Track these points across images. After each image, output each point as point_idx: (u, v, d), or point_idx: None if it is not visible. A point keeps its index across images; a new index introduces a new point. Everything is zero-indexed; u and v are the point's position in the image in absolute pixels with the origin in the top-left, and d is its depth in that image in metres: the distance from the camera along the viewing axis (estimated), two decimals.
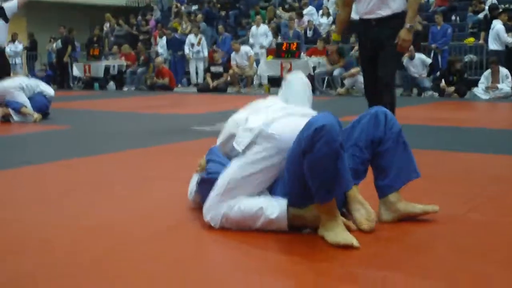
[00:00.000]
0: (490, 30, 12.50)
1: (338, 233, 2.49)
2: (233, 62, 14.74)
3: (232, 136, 2.83)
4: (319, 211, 2.56)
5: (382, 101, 4.42)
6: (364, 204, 2.68)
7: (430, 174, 3.96)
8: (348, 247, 2.42)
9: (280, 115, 2.77)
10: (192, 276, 2.18)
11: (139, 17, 21.05)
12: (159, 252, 2.46)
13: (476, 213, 3.04)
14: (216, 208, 2.72)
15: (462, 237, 2.62)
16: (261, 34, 15.65)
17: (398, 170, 2.81)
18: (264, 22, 17.30)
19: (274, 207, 2.63)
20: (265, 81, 14.70)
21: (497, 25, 12.35)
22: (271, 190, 2.74)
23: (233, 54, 14.87)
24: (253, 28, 15.94)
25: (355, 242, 2.43)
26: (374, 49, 4.84)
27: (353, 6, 5.12)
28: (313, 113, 2.87)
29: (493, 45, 12.36)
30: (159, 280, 2.14)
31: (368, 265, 2.28)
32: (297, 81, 3.16)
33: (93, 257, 2.42)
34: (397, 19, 4.71)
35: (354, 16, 5.24)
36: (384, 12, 4.77)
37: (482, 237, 2.63)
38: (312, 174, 2.44)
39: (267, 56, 14.90)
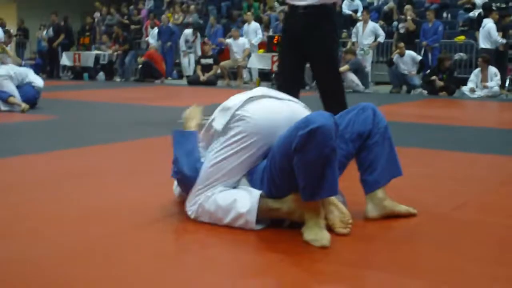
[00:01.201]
0: (481, 29, 12.49)
1: (313, 231, 2.44)
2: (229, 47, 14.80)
3: (213, 119, 2.77)
4: (303, 207, 2.51)
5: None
6: (337, 205, 2.60)
7: (417, 172, 3.98)
8: (320, 246, 2.39)
9: (258, 94, 2.74)
10: (160, 278, 2.16)
11: (131, 6, 20.90)
12: (134, 249, 2.45)
13: (460, 211, 3.05)
14: (194, 198, 2.72)
15: (445, 236, 2.63)
16: (251, 31, 15.43)
17: (385, 166, 2.79)
18: (257, 15, 17.28)
19: (246, 201, 2.58)
20: (255, 75, 14.63)
21: (488, 23, 12.35)
22: (251, 178, 2.69)
23: (229, 40, 14.82)
24: (245, 25, 15.83)
25: (325, 242, 2.38)
26: (300, 40, 4.33)
27: None
28: (295, 101, 2.85)
29: (484, 44, 12.37)
30: (131, 277, 2.14)
31: (351, 263, 2.28)
32: None
33: (78, 247, 2.41)
34: (328, 10, 4.25)
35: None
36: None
37: (465, 235, 2.64)
38: (299, 173, 2.42)
39: (258, 49, 14.87)
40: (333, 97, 4.33)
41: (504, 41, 12.35)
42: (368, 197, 2.83)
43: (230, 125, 2.65)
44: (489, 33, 12.28)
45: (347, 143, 2.75)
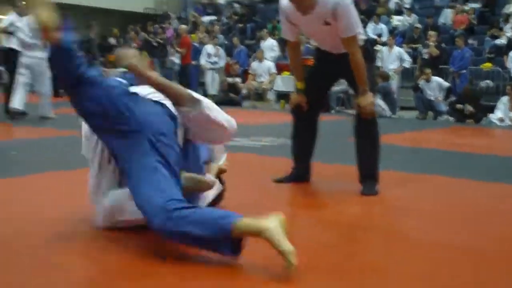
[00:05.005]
0: None
1: None
2: (251, 72, 14.81)
3: None
4: None
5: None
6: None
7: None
8: None
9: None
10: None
11: (156, 25, 21.08)
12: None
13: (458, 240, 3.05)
14: (98, 202, 3.06)
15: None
16: (266, 48, 15.57)
17: None
18: (280, 37, 17.37)
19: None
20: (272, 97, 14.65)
21: None
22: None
23: (254, 63, 14.90)
24: (262, 42, 16.00)
25: None
26: (332, 74, 4.44)
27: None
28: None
29: None
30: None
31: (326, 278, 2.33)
32: None
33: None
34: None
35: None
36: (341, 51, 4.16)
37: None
38: None
39: (281, 71, 14.90)
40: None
41: None
42: None
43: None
44: None
45: None
